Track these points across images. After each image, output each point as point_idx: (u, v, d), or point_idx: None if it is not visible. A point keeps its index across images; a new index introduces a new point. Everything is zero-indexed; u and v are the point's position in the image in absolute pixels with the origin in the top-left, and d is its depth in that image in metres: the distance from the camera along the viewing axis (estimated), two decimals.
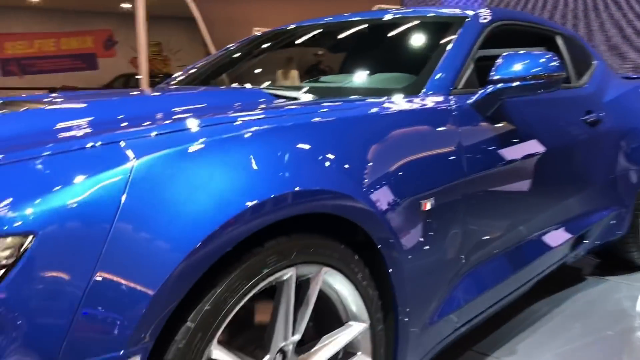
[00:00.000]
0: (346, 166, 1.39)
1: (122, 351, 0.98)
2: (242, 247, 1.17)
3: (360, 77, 2.31)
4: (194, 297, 1.10)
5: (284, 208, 1.20)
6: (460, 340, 2.26)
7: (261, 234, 1.20)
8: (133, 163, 1.05)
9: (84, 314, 0.96)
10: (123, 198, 1.01)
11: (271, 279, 1.22)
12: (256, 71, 2.71)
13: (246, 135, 1.26)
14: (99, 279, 0.97)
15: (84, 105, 1.70)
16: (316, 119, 1.48)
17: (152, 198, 1.05)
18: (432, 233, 1.63)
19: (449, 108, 1.82)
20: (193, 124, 1.26)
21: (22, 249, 0.94)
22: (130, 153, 1.08)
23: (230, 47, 2.81)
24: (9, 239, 0.94)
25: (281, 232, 1.25)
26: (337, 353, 1.48)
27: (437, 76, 1.92)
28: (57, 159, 1.08)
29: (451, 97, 1.87)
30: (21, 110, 1.54)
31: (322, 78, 2.40)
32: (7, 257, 0.94)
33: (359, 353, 1.49)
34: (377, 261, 1.48)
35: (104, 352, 0.97)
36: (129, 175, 1.04)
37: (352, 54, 2.76)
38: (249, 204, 1.12)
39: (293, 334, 1.31)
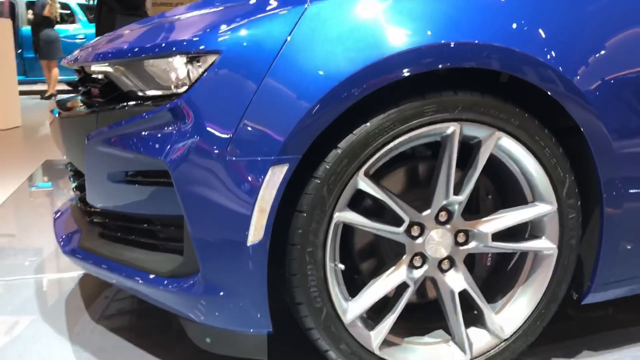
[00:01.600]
0: (545, 31, 1.28)
1: (274, 157, 1.18)
2: (402, 95, 1.24)
3: None
4: (347, 128, 1.23)
5: (441, 58, 1.21)
6: None
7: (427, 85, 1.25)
8: (307, 5, 1.22)
9: (246, 121, 1.18)
10: (293, 29, 1.20)
11: (428, 129, 1.25)
12: None
13: None
14: (261, 94, 1.18)
15: None
16: None
17: (320, 31, 1.20)
18: None
19: None
20: None
21: (209, 63, 1.21)
22: None
23: None
24: (203, 55, 1.22)
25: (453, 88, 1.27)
26: (522, 232, 1.42)
27: None
28: (246, 6, 1.37)
29: None
30: None
31: None
32: (199, 68, 1.23)
33: (543, 237, 1.39)
34: (581, 150, 1.34)
35: (259, 155, 1.18)
36: (303, 12, 1.21)
37: None
38: (402, 48, 1.18)
39: (457, 194, 1.32)
